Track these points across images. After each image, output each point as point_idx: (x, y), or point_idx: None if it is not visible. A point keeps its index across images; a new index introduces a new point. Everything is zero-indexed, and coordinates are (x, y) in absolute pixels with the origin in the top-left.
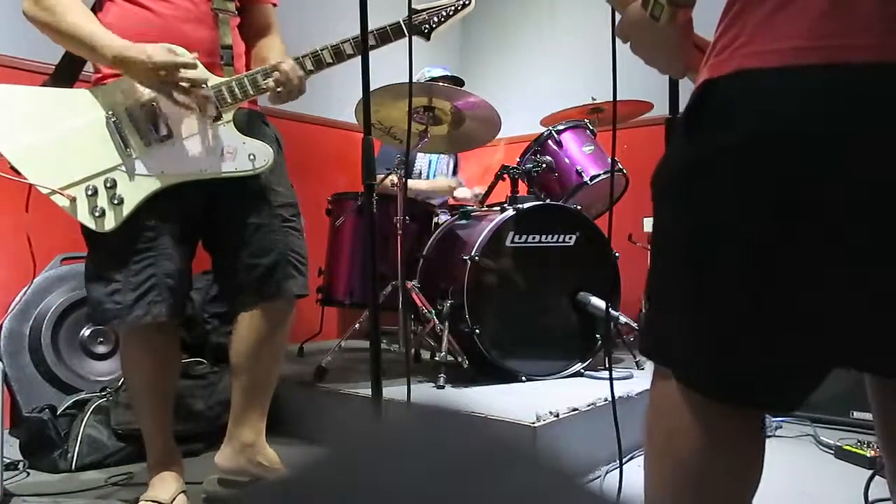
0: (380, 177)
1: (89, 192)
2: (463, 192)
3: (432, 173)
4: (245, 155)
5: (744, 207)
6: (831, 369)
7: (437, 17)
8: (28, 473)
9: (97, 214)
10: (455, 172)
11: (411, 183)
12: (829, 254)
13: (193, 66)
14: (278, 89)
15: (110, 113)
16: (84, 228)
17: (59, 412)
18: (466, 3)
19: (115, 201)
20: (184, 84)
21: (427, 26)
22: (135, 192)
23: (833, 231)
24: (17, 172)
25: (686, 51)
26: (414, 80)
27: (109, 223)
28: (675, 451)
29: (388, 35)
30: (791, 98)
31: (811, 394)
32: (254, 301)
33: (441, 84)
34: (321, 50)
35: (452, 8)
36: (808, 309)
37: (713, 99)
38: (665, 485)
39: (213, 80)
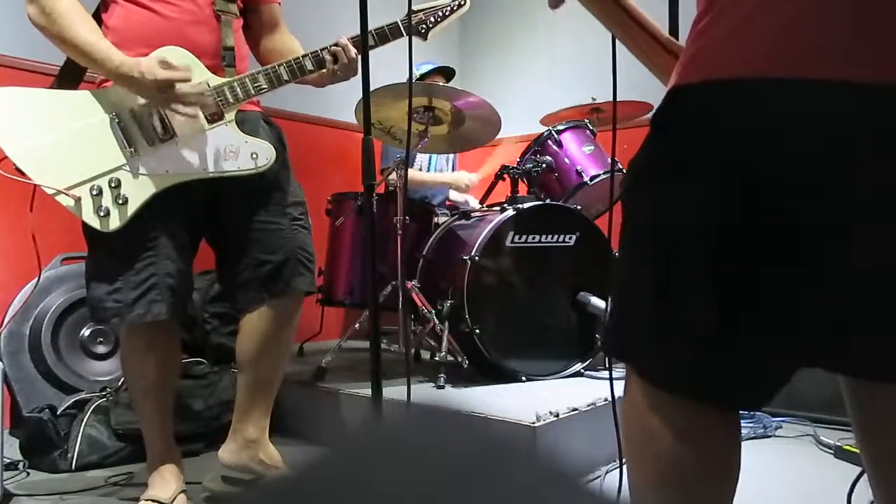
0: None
1: (94, 192)
2: (456, 196)
3: (431, 169)
4: (247, 154)
5: (709, 208)
6: (797, 369)
7: (434, 17)
8: (28, 473)
9: (102, 214)
10: (453, 170)
11: (416, 175)
12: (797, 256)
13: (187, 79)
14: (335, 65)
15: (114, 114)
16: (86, 227)
17: (59, 412)
18: (462, 3)
19: (120, 201)
20: (177, 98)
21: (424, 26)
22: (139, 191)
23: (802, 233)
24: (22, 173)
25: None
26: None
27: (114, 223)
28: (650, 451)
29: (386, 35)
30: (754, 107)
31: (777, 391)
32: (261, 298)
33: (441, 84)
34: (303, 58)
35: (448, 8)
36: (772, 309)
37: (683, 103)
38: (644, 485)
39: (215, 80)
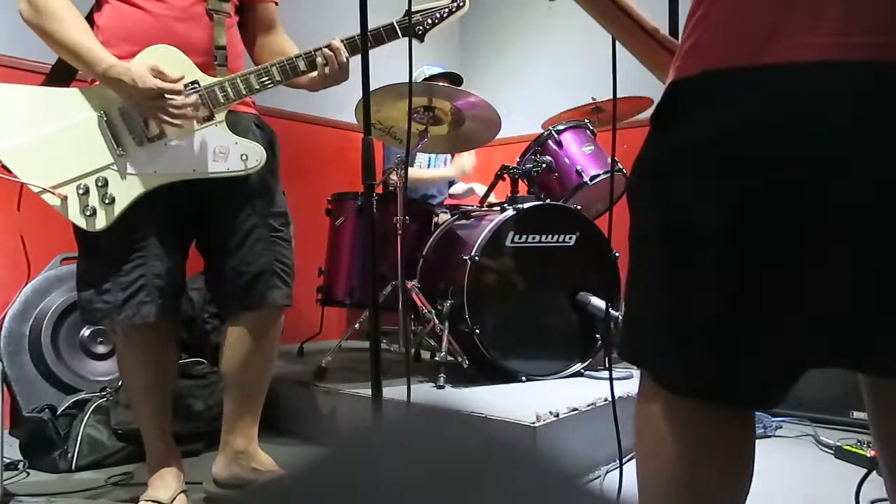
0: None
1: (81, 191)
2: (457, 188)
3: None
4: (237, 155)
5: (713, 207)
6: (806, 368)
7: (432, 18)
8: (28, 473)
9: (88, 213)
10: None
11: (418, 172)
12: (801, 255)
13: (178, 92)
14: (326, 68)
15: (103, 112)
16: (75, 229)
17: (59, 412)
18: (461, 4)
19: (107, 200)
20: (166, 109)
21: (421, 28)
22: (126, 191)
23: (802, 232)
24: (9, 171)
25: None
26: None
27: (101, 222)
28: (662, 454)
29: (381, 36)
30: (754, 98)
31: (788, 391)
32: (237, 309)
33: (441, 84)
34: (296, 58)
35: (447, 10)
36: (777, 309)
37: (680, 100)
38: (657, 487)
39: (206, 80)
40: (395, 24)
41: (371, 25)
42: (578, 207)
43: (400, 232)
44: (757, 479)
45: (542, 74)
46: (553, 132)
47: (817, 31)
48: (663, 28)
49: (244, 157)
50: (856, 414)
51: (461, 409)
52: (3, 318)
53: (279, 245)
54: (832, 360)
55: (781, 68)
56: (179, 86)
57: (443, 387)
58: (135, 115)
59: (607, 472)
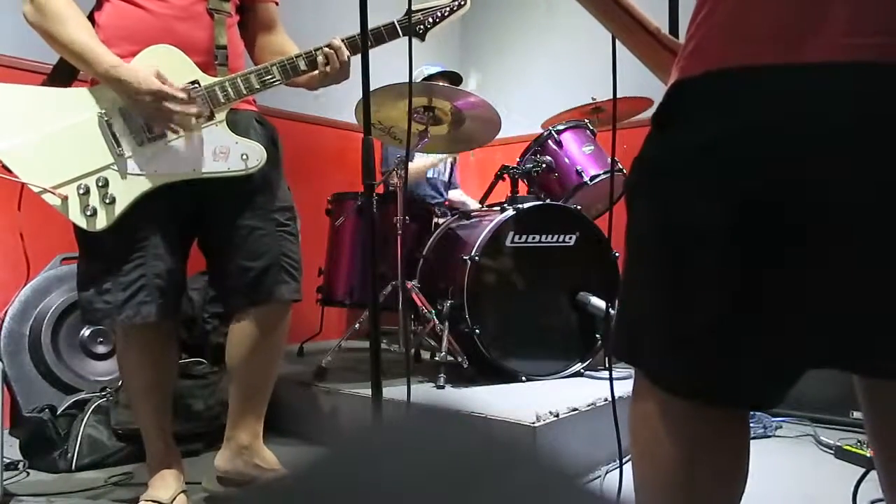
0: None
1: (81, 191)
2: (457, 195)
3: (430, 170)
4: (237, 155)
5: (714, 207)
6: (806, 369)
7: (433, 17)
8: (28, 473)
9: (89, 213)
10: (452, 171)
11: (418, 164)
12: (801, 255)
13: (180, 99)
14: (327, 67)
15: (103, 112)
16: (76, 228)
17: (59, 412)
18: (462, 3)
19: (107, 200)
20: (164, 114)
21: (422, 27)
22: (127, 191)
23: (806, 232)
24: (9, 171)
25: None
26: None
27: (101, 222)
28: (659, 454)
29: (382, 36)
30: (755, 98)
31: (787, 391)
32: (244, 305)
33: (441, 84)
34: (297, 58)
35: (448, 9)
36: (778, 310)
37: (682, 100)
38: (652, 489)
39: (207, 79)
40: (395, 23)
41: (372, 25)
42: (578, 207)
43: (400, 232)
44: (757, 478)
45: (542, 74)
46: (553, 132)
47: (821, 31)
48: (663, 28)
49: (245, 157)
50: (856, 414)
51: (461, 409)
52: (3, 318)
53: (286, 239)
54: (832, 360)
55: (782, 68)
56: (181, 93)
57: (443, 387)
58: (135, 115)
59: (607, 472)
